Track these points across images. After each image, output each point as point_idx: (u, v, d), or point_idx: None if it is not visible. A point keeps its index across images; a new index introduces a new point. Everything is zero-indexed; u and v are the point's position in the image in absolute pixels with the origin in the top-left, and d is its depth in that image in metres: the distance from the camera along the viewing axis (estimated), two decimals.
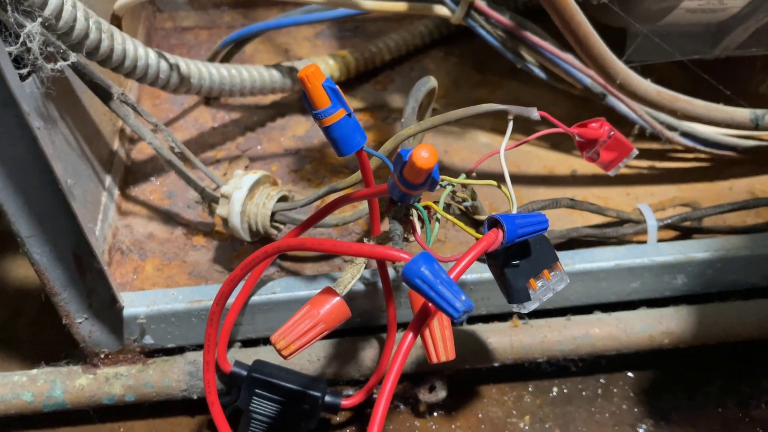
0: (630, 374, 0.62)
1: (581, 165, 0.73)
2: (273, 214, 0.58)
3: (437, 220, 0.46)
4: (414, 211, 0.45)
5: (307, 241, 0.38)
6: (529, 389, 0.62)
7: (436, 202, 0.44)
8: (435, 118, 0.47)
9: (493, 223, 0.41)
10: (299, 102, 0.80)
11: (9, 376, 0.56)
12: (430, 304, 0.38)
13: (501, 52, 0.67)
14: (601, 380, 0.62)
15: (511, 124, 0.47)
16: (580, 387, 0.62)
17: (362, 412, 0.59)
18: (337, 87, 0.41)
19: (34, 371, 0.56)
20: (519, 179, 0.72)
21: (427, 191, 0.44)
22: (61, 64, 0.48)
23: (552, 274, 0.45)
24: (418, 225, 0.44)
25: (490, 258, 0.45)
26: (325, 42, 0.88)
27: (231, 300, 0.52)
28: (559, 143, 0.75)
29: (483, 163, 0.48)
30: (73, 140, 0.57)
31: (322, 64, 0.78)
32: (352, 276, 0.43)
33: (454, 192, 0.51)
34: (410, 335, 0.38)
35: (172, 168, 0.59)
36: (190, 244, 0.65)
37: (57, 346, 0.59)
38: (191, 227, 0.67)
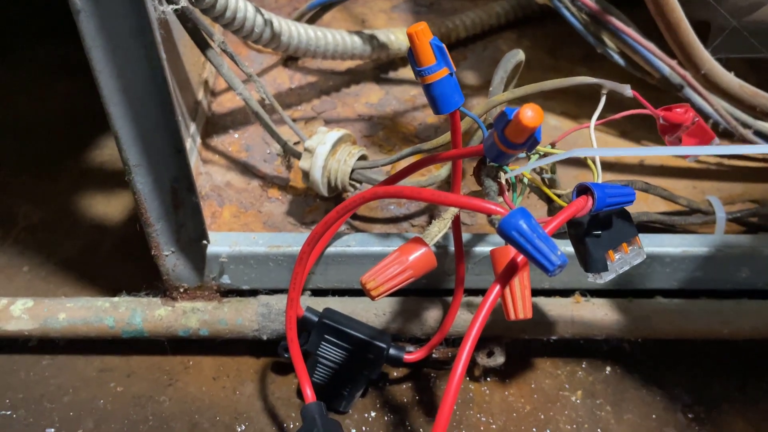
0: (682, 360, 0.63)
1: (649, 155, 0.74)
2: (352, 171, 0.60)
3: (523, 184, 0.48)
4: (503, 174, 0.46)
5: (405, 189, 0.40)
6: (583, 366, 0.63)
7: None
8: (529, 86, 0.48)
9: (583, 190, 0.43)
10: (373, 70, 0.82)
11: (93, 301, 0.59)
12: (518, 260, 0.40)
13: (583, 35, 0.68)
14: (654, 364, 0.63)
15: (603, 99, 0.48)
16: (632, 368, 0.63)
17: (420, 370, 0.62)
18: (444, 46, 0.43)
19: (116, 299, 0.59)
20: (587, 165, 0.73)
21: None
22: (173, 6, 0.51)
23: (630, 248, 0.47)
24: (506, 187, 0.46)
25: (571, 226, 0.47)
26: (401, 15, 0.90)
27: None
28: (628, 132, 0.76)
29: (558, 143, 0.50)
30: (171, 84, 0.59)
31: (399, 34, 0.79)
32: (439, 230, 0.45)
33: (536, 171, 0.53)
34: (497, 287, 0.40)
35: (258, 119, 0.62)
36: (266, 195, 0.68)
37: (135, 279, 0.62)
38: (267, 180, 0.69)
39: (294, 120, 0.76)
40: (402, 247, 0.43)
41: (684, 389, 0.62)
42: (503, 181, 0.46)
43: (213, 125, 0.74)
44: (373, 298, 0.42)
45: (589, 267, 0.46)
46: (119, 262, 0.68)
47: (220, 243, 0.57)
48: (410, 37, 0.42)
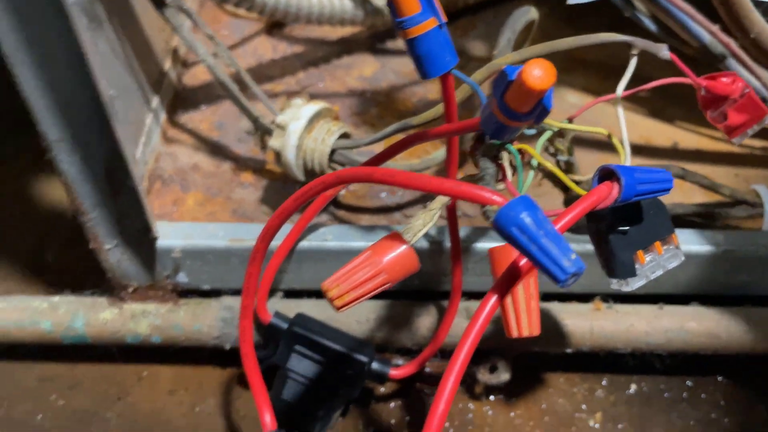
0: (721, 379, 0.54)
1: (684, 137, 0.64)
2: (332, 152, 0.51)
3: (532, 167, 0.38)
4: (505, 155, 0.37)
5: (376, 171, 0.31)
6: (603, 383, 0.54)
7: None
8: (538, 45, 0.39)
9: (607, 174, 0.33)
10: (368, 40, 0.73)
11: (29, 301, 0.51)
12: (521, 264, 0.31)
13: None
14: (688, 382, 0.54)
15: (634, 61, 0.39)
16: (662, 387, 0.53)
17: (410, 385, 0.53)
18: None
19: (56, 298, 0.51)
20: (611, 147, 0.63)
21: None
22: None
23: (665, 248, 0.37)
24: (509, 171, 0.36)
25: (592, 220, 0.37)
26: None
27: (277, 242, 0.46)
28: (660, 110, 0.66)
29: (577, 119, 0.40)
30: (120, 49, 0.51)
31: None
32: (424, 223, 0.36)
33: (550, 141, 0.43)
34: (493, 299, 0.30)
35: (225, 90, 0.53)
36: (237, 180, 0.59)
37: (84, 276, 0.54)
38: (240, 162, 0.60)
39: (275, 94, 0.67)
40: (375, 245, 0.34)
41: (723, 413, 0.52)
42: (506, 164, 0.36)
43: (182, 100, 0.65)
44: (336, 309, 0.33)
45: (614, 271, 0.37)
46: (72, 256, 0.60)
47: (172, 236, 0.48)
48: None
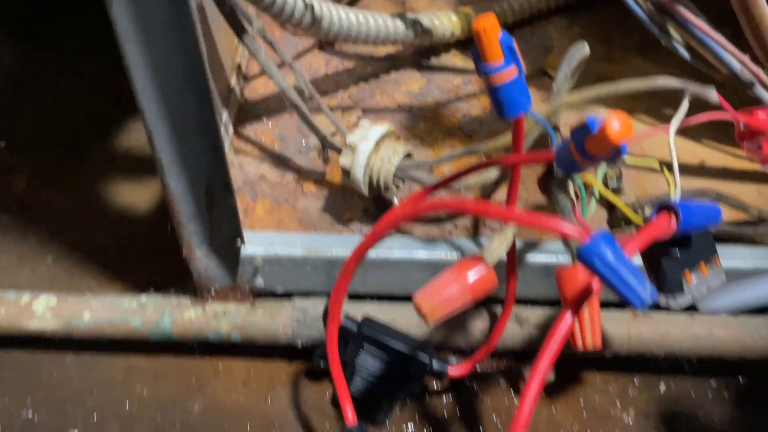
0: (743, 380, 0.59)
1: (710, 156, 0.68)
2: (395, 172, 0.56)
3: (593, 196, 0.43)
4: (571, 185, 0.42)
5: (469, 204, 0.36)
6: (635, 382, 0.59)
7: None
8: (602, 87, 0.44)
9: (663, 209, 0.38)
10: (414, 56, 0.77)
11: (119, 301, 0.56)
12: (592, 284, 0.36)
13: (646, 25, 0.62)
14: (713, 383, 0.59)
15: (686, 103, 0.43)
16: (689, 387, 0.59)
17: (462, 382, 0.58)
18: (514, 42, 0.38)
19: (144, 298, 0.56)
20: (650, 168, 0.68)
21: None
22: None
23: (709, 269, 0.43)
24: (575, 201, 0.41)
25: None
26: None
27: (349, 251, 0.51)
28: (688, 130, 0.70)
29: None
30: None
31: (444, 19, 0.74)
32: (501, 247, 0.41)
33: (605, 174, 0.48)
34: (568, 315, 0.35)
35: (297, 111, 0.58)
36: (300, 190, 0.64)
37: (164, 275, 0.59)
38: (302, 173, 0.65)
39: (330, 108, 0.71)
40: (460, 264, 0.39)
41: (744, 410, 0.57)
42: (572, 193, 0.41)
43: (245, 112, 0.70)
44: (429, 323, 0.38)
45: (663, 287, 0.42)
46: (147, 255, 0.65)
47: (255, 243, 0.53)
48: (477, 33, 0.37)
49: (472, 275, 0.38)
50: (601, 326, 0.40)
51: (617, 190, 0.50)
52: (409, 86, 0.74)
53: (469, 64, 0.76)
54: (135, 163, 0.74)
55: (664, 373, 0.59)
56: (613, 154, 0.35)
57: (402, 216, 0.40)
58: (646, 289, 0.32)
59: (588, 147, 0.35)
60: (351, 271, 0.43)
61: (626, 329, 0.55)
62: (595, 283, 0.36)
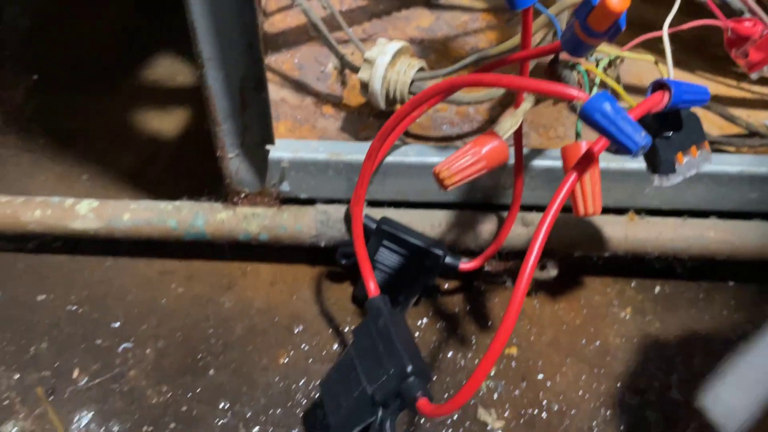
0: (732, 284, 0.64)
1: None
2: (411, 83, 0.60)
3: (594, 85, 0.48)
4: (575, 74, 0.46)
5: (485, 77, 0.41)
6: (632, 285, 0.64)
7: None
8: None
9: (659, 86, 0.43)
10: None
11: (156, 203, 0.60)
12: (594, 149, 0.41)
13: None
14: (704, 286, 0.64)
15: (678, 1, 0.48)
16: (682, 290, 0.64)
17: (470, 283, 0.63)
18: None
19: (179, 202, 0.61)
20: (635, 90, 0.72)
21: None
22: None
23: (699, 151, 0.47)
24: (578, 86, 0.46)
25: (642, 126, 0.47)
26: None
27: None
28: (683, 61, 0.74)
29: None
30: None
31: None
32: (511, 124, 0.45)
33: (605, 68, 0.53)
34: (573, 176, 0.40)
35: (317, 31, 0.62)
36: (320, 112, 0.68)
37: (192, 194, 0.63)
38: (320, 97, 0.69)
39: (345, 41, 0.76)
40: (475, 139, 0.44)
41: (733, 311, 0.62)
42: (576, 82, 0.46)
43: (265, 44, 0.74)
44: (445, 187, 0.43)
45: (658, 168, 0.46)
46: (175, 174, 0.70)
47: (282, 149, 0.57)
48: None
49: (486, 146, 0.43)
50: (600, 195, 0.45)
51: (616, 79, 0.54)
52: (420, 22, 0.79)
53: (477, 2, 0.80)
54: (160, 96, 0.78)
55: (658, 276, 0.64)
56: (614, 28, 0.40)
57: (426, 95, 0.44)
58: (640, 135, 0.36)
59: (591, 22, 0.39)
60: (375, 152, 0.47)
61: (623, 231, 0.60)
62: (597, 147, 0.41)
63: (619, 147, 0.37)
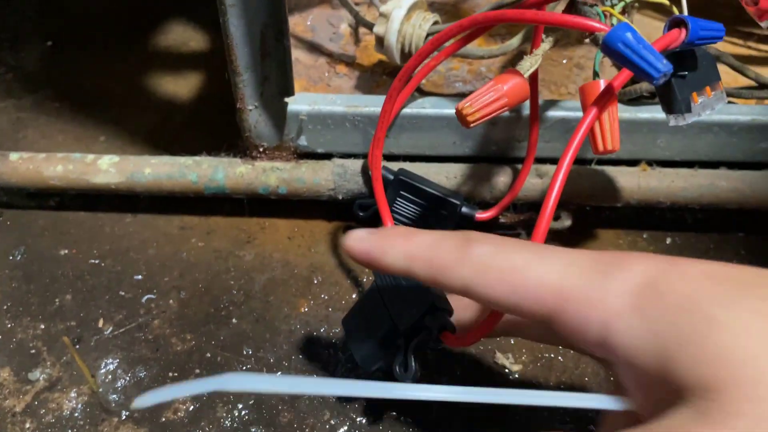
0: (742, 235, 0.65)
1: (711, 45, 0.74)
2: (426, 36, 0.61)
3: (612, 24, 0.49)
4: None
5: (507, 12, 0.41)
6: (644, 236, 0.65)
7: None
8: None
9: (676, 23, 0.44)
10: None
11: (176, 158, 0.61)
12: (614, 85, 0.42)
13: None
14: (714, 237, 0.65)
15: None
16: (693, 241, 0.65)
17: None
18: None
19: (198, 157, 0.62)
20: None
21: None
22: None
23: (714, 92, 0.48)
24: None
25: None
26: None
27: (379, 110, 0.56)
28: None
29: None
30: None
31: None
32: (531, 64, 0.46)
33: (623, 11, 0.54)
34: (593, 111, 0.41)
35: None
36: (333, 71, 0.69)
37: (211, 145, 0.64)
38: (334, 57, 0.70)
39: (356, 3, 0.77)
40: (497, 77, 0.45)
41: (743, 260, 0.63)
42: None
43: None
44: (468, 124, 0.44)
45: (673, 108, 0.47)
46: (191, 135, 0.70)
47: (299, 101, 0.58)
48: None
49: (507, 83, 0.44)
50: (618, 131, 0.46)
51: (631, 21, 0.55)
52: None
53: None
54: (174, 60, 0.79)
55: (669, 228, 0.65)
56: None
57: (451, 31, 0.45)
58: (662, 62, 0.37)
59: None
60: (396, 93, 0.48)
61: (636, 180, 0.61)
62: (617, 82, 0.42)
63: (641, 75, 0.38)
